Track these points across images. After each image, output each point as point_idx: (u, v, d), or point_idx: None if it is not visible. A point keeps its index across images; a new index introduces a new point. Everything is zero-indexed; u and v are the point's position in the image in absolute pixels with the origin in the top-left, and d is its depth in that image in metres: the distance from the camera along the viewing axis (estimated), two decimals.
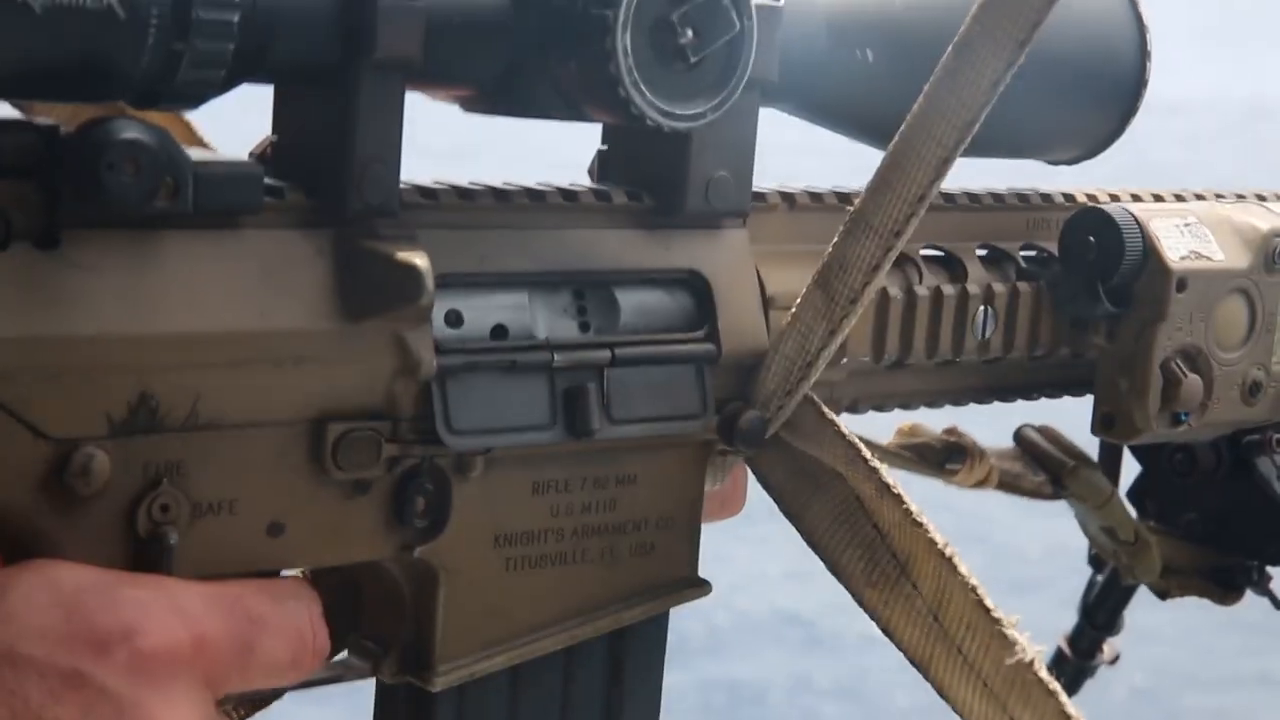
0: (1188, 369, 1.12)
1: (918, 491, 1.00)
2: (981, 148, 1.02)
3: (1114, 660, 1.47)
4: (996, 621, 0.95)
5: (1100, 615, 1.45)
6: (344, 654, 0.92)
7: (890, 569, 0.97)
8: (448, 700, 0.91)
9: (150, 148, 0.76)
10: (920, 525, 0.96)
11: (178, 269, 0.80)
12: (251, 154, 0.88)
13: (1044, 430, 1.18)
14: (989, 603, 0.96)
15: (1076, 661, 1.46)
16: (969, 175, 1.10)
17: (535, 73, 0.88)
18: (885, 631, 0.99)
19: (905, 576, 0.97)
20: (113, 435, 0.79)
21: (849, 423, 1.00)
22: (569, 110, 0.90)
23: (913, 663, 0.98)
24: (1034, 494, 1.16)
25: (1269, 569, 1.32)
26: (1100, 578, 1.45)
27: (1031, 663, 0.95)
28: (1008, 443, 1.23)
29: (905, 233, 0.94)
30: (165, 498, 0.80)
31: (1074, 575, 1.49)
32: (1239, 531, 1.30)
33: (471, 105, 0.94)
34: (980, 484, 1.13)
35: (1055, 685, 0.95)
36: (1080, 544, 1.32)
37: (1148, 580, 1.26)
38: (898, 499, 0.97)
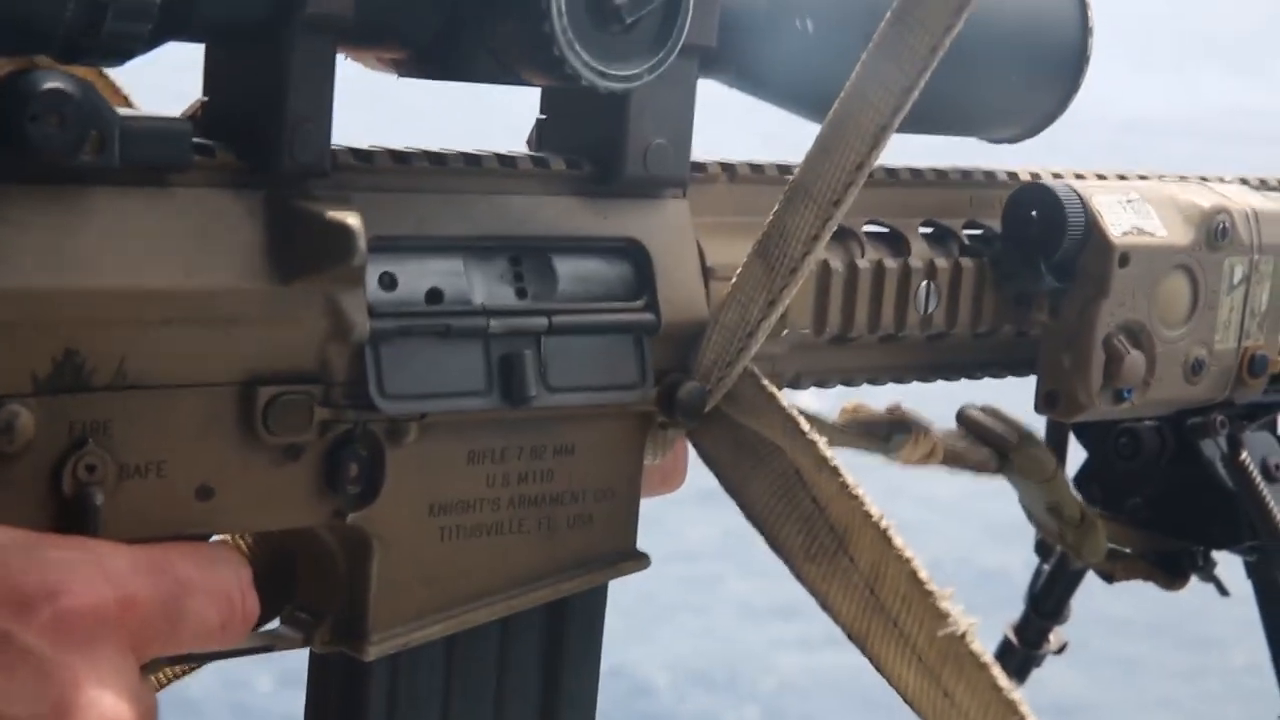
0: (1130, 345, 1.12)
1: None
2: (923, 123, 1.02)
3: (1060, 649, 1.47)
4: (930, 594, 0.95)
5: (1047, 603, 1.44)
6: (276, 623, 0.91)
7: (828, 542, 0.97)
8: (381, 670, 0.90)
9: (75, 99, 0.75)
10: (856, 498, 0.96)
11: (105, 225, 0.79)
12: (187, 110, 0.86)
13: (987, 409, 1.17)
14: (923, 575, 0.95)
15: (1024, 650, 1.46)
16: (911, 153, 1.10)
17: (470, 35, 0.88)
18: (823, 606, 0.98)
19: (842, 549, 0.97)
20: (37, 393, 0.77)
21: (791, 399, 1.00)
22: (504, 73, 0.89)
23: (850, 637, 0.97)
24: (978, 469, 1.15)
25: (1214, 555, 1.32)
26: (1046, 566, 1.45)
27: (964, 635, 0.94)
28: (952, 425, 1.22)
29: (844, 202, 0.93)
30: (91, 458, 0.79)
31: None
32: (1184, 515, 1.30)
33: (406, 69, 0.93)
34: (925, 459, 1.12)
35: (988, 657, 0.94)
36: None
37: (1094, 561, 1.25)
38: (835, 471, 0.96)
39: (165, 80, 1.05)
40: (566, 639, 0.96)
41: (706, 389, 0.97)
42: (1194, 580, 1.33)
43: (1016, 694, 0.94)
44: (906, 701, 0.96)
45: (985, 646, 0.95)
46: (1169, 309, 1.14)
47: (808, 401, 1.08)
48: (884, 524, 0.95)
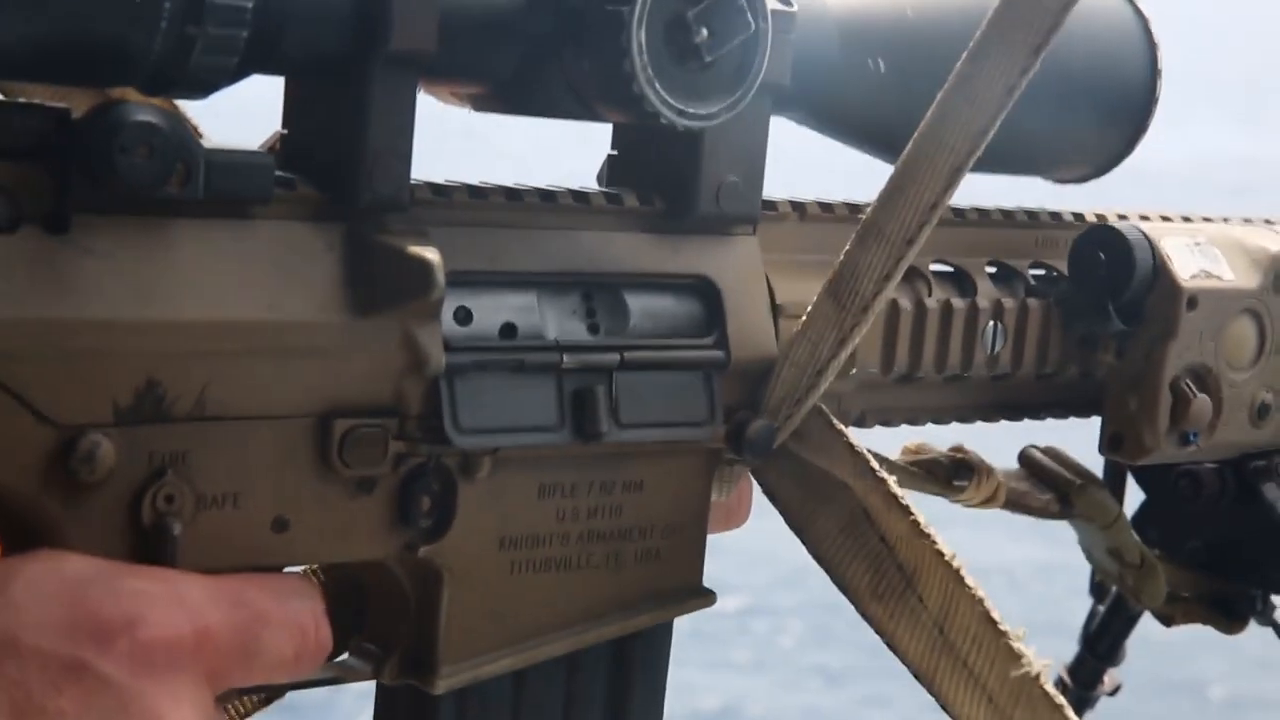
0: (1197, 388, 1.11)
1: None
2: (990, 163, 1.01)
3: (1114, 691, 1.46)
4: (1003, 634, 0.94)
5: (1102, 645, 1.44)
6: (345, 655, 0.91)
7: (896, 581, 0.97)
8: (449, 703, 0.90)
9: (164, 132, 0.76)
10: (927, 536, 0.95)
11: (188, 257, 0.79)
12: (261, 148, 0.87)
13: (1050, 450, 1.17)
14: (996, 615, 0.95)
15: (1077, 691, 1.45)
16: (975, 194, 1.10)
17: (548, 70, 0.88)
18: (890, 645, 0.98)
19: (911, 589, 0.96)
20: (118, 423, 0.78)
21: (857, 436, 1.00)
22: (581, 108, 0.89)
23: (917, 676, 0.97)
24: (1041, 513, 1.15)
25: (1274, 598, 1.31)
26: (1102, 607, 1.44)
27: (1038, 676, 0.94)
28: (1012, 465, 1.22)
29: (917, 241, 0.93)
30: (170, 488, 0.79)
31: None
32: (1244, 559, 1.29)
33: (483, 104, 0.93)
34: (987, 502, 1.12)
35: (1061, 699, 0.94)
36: None
37: (1153, 605, 1.25)
38: (905, 510, 0.96)
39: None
40: (632, 675, 0.96)
41: (775, 426, 0.96)
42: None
43: None
44: None
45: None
46: (1236, 352, 1.14)
47: (870, 441, 1.08)
48: (955, 564, 0.95)
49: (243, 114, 0.92)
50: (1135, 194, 1.16)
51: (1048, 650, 0.96)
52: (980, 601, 0.94)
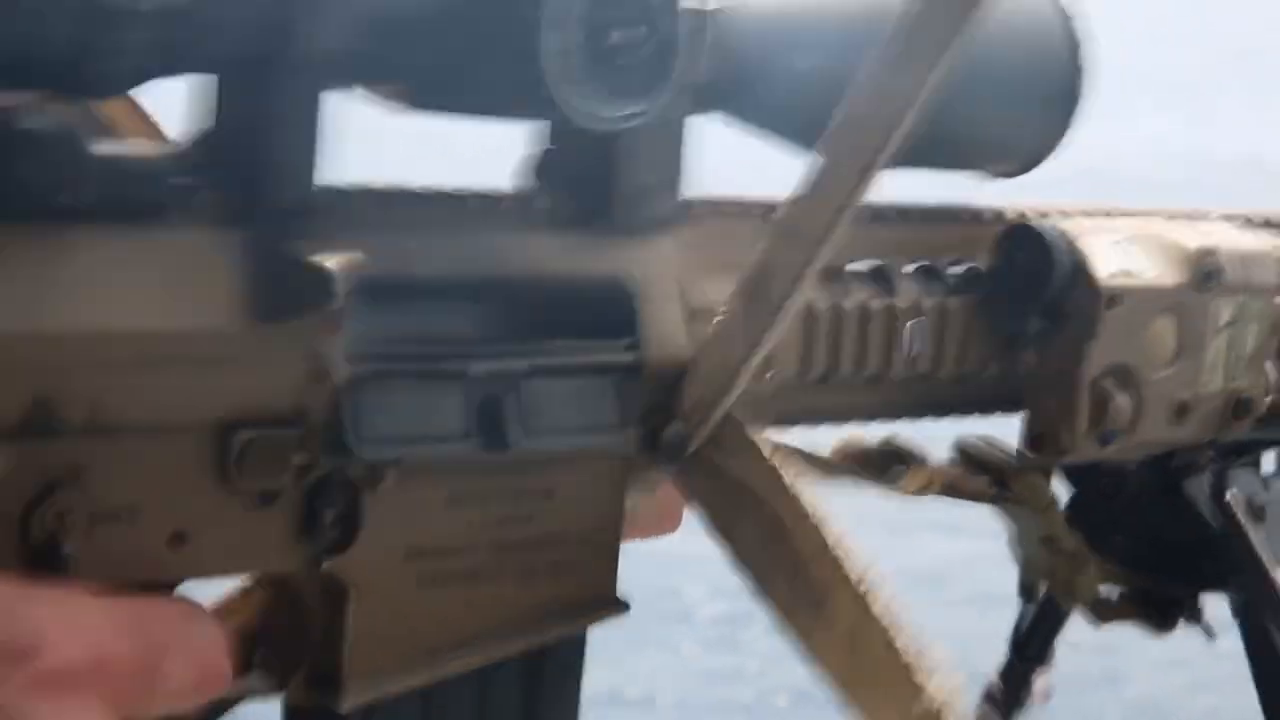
0: (1118, 388, 1.11)
1: None
2: (917, 158, 1.00)
3: (1046, 694, 1.45)
4: (906, 666, 0.92)
5: (1030, 647, 1.42)
6: (249, 673, 0.89)
7: (809, 598, 0.95)
8: None
9: (50, 139, 0.73)
10: (837, 557, 0.93)
11: (79, 265, 0.76)
12: (181, 140, 0.84)
13: (984, 439, 1.17)
14: (901, 643, 0.93)
15: (1006, 696, 1.44)
16: (900, 188, 1.08)
17: (464, 70, 0.86)
18: (811, 660, 0.96)
19: (823, 607, 0.94)
20: (6, 438, 0.75)
21: (781, 437, 0.98)
22: (498, 109, 0.87)
23: (840, 694, 0.95)
24: (977, 497, 1.14)
25: (1202, 597, 1.31)
26: (1030, 607, 1.43)
27: (938, 713, 0.92)
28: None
29: (830, 241, 0.92)
30: (61, 504, 0.77)
31: None
32: (1170, 555, 1.28)
33: (401, 104, 0.91)
34: (924, 489, 1.11)
35: None
36: None
37: (1086, 598, 1.24)
38: (815, 527, 0.94)
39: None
40: (545, 688, 0.94)
41: (688, 433, 0.95)
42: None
43: None
44: None
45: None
46: (1156, 351, 1.13)
47: (804, 436, 1.06)
48: (863, 588, 0.93)
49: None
50: (1083, 189, 1.16)
51: None
52: (885, 630, 0.92)
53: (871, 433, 1.13)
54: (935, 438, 1.17)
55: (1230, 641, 1.29)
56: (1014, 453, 1.17)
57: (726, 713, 5.10)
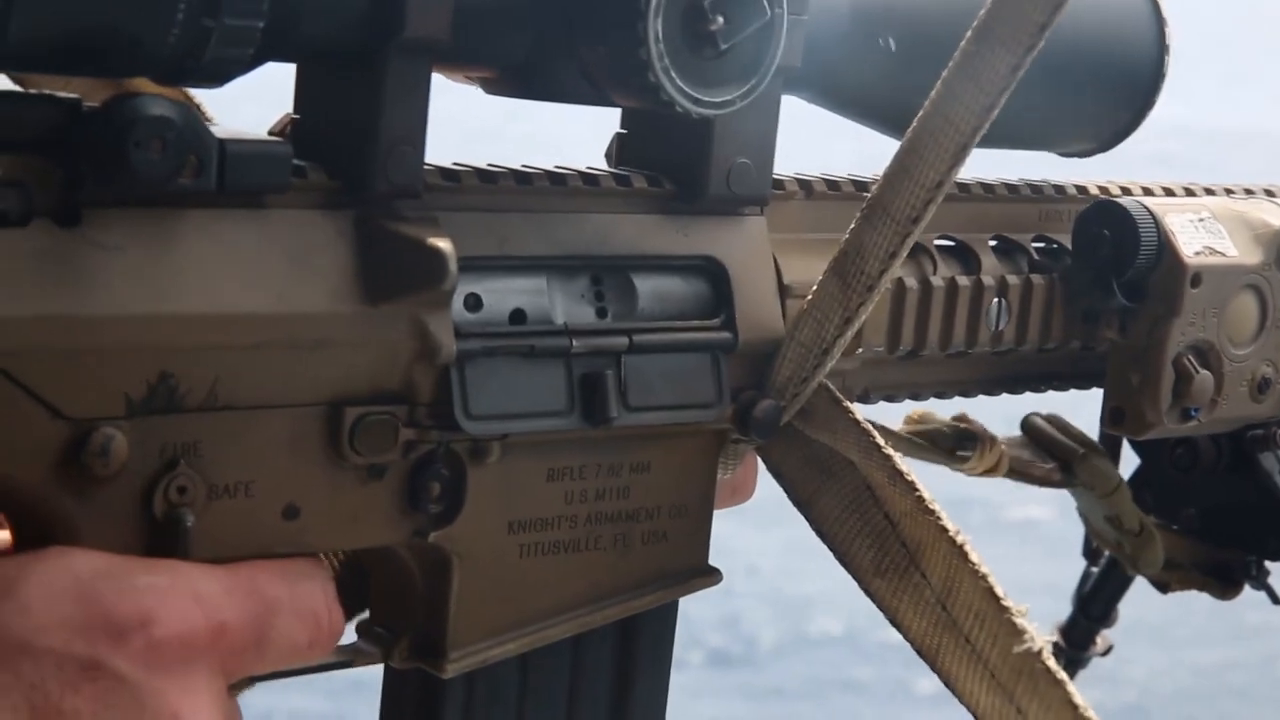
0: (1199, 365, 1.11)
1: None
2: (996, 139, 1.01)
3: (1106, 651, 1.47)
4: (1005, 610, 0.95)
5: (1095, 607, 1.44)
6: (354, 639, 0.91)
7: (900, 558, 0.97)
8: (457, 687, 0.91)
9: (177, 124, 0.75)
10: (932, 513, 0.96)
11: (199, 249, 0.78)
12: (270, 132, 0.86)
13: (1052, 419, 1.18)
14: (999, 591, 0.95)
15: (1070, 652, 1.46)
16: (981, 167, 1.09)
17: (561, 55, 0.87)
18: (893, 622, 0.98)
19: (914, 565, 0.97)
20: (130, 415, 0.78)
21: (860, 411, 1.00)
22: (594, 94, 0.89)
23: (919, 652, 0.98)
24: (1043, 481, 1.16)
25: (1268, 564, 1.32)
26: (1095, 570, 1.45)
27: (1039, 652, 0.94)
28: (1013, 431, 1.22)
29: (922, 220, 0.93)
30: (182, 479, 0.79)
31: None
32: (1239, 526, 1.30)
33: (495, 88, 0.92)
34: (990, 471, 1.12)
35: (1062, 675, 0.95)
36: None
37: (1150, 572, 1.25)
38: (910, 486, 0.96)
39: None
40: (638, 655, 0.96)
41: (781, 406, 0.96)
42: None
43: (1091, 712, 0.94)
44: (977, 717, 0.97)
45: None
46: (1237, 328, 1.14)
47: (871, 412, 1.08)
48: (959, 539, 0.95)
49: (247, 94, 0.91)
50: (1049, 162, 1.16)
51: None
52: (984, 578, 0.95)
53: (943, 411, 1.14)
54: (1005, 415, 1.18)
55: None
56: (1081, 434, 1.18)
57: None
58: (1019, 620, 0.95)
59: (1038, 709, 0.94)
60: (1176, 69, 1.12)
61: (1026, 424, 1.19)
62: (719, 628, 4.99)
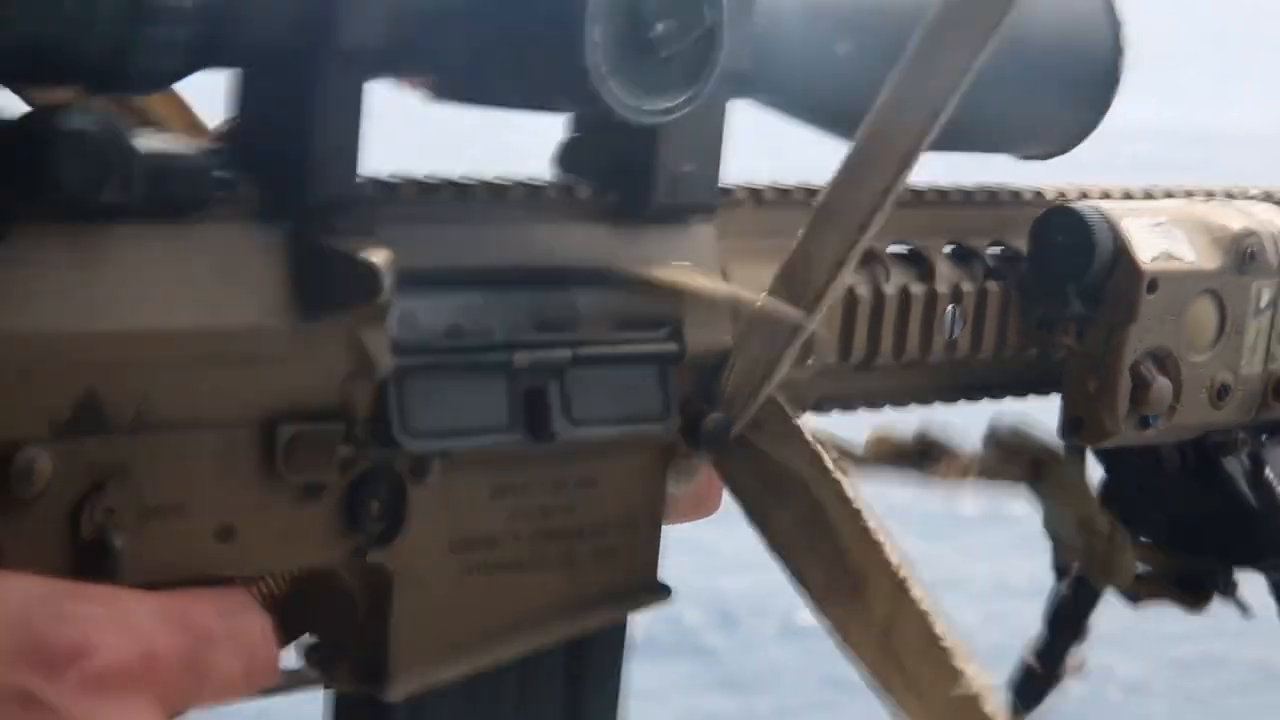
0: (1157, 371, 1.10)
1: None
2: (952, 141, 1.00)
3: (1079, 668, 1.45)
4: (944, 651, 0.93)
5: (1067, 624, 1.42)
6: (295, 663, 0.89)
7: (846, 584, 0.95)
8: (402, 710, 0.88)
9: (99, 139, 0.73)
10: (875, 544, 0.94)
11: (126, 264, 0.77)
12: (215, 133, 0.84)
13: (1016, 424, 1.16)
14: (938, 629, 0.93)
15: (1043, 673, 1.44)
16: (937, 171, 1.08)
17: (501, 62, 0.86)
18: (844, 647, 0.96)
19: (859, 594, 0.94)
20: (55, 437, 0.76)
21: (816, 423, 0.98)
22: (536, 101, 0.87)
23: (871, 682, 0.95)
24: (1012, 485, 1.14)
25: (1236, 575, 1.31)
26: (1064, 586, 1.43)
27: (976, 697, 0.92)
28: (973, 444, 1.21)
29: (870, 227, 0.91)
30: (110, 500, 0.77)
31: None
32: (1206, 534, 1.28)
33: (437, 94, 0.91)
34: (958, 480, 1.11)
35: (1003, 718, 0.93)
36: None
37: (1121, 582, 1.24)
38: (856, 513, 0.94)
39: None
40: (588, 673, 0.95)
41: (731, 419, 0.95)
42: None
43: None
44: None
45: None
46: (1196, 334, 1.12)
47: (835, 422, 1.06)
48: (901, 574, 0.93)
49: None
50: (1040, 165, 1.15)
51: None
52: (924, 616, 0.92)
53: (905, 423, 1.13)
54: (967, 423, 1.17)
55: None
56: (1048, 439, 1.17)
57: None
58: (957, 663, 0.92)
59: None
60: (1166, 68, 1.11)
61: (993, 431, 1.18)
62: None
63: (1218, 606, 1.30)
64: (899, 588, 0.93)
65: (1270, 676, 4.99)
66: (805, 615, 0.97)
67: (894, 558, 0.93)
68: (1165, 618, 1.32)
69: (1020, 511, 1.22)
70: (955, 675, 0.92)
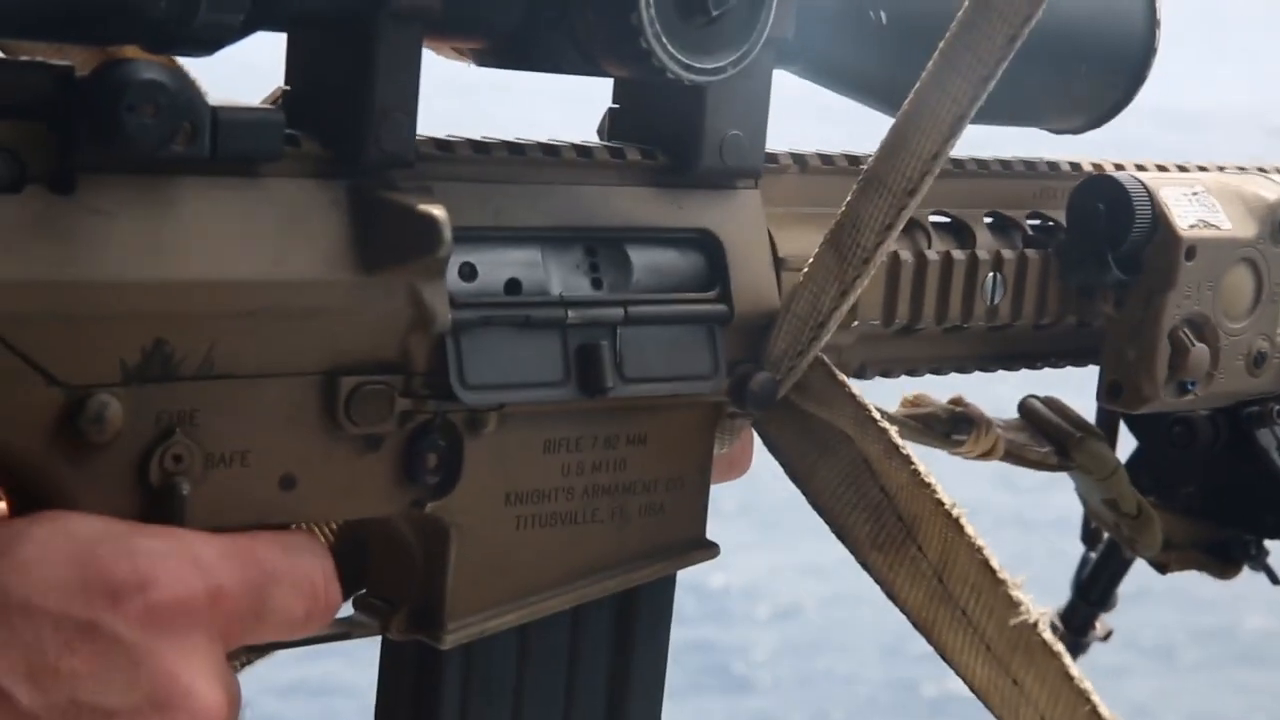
0: (1195, 338, 1.11)
1: None
2: (987, 114, 1.01)
3: (1106, 636, 1.47)
4: (1001, 583, 0.95)
5: (1094, 591, 1.44)
6: (351, 611, 0.91)
7: (896, 531, 0.97)
8: (455, 658, 0.90)
9: (170, 90, 0.75)
10: (928, 486, 0.96)
11: (194, 215, 0.79)
12: (271, 96, 0.86)
13: (1049, 401, 1.17)
14: (995, 563, 0.95)
15: (1070, 637, 1.46)
16: (973, 144, 1.09)
17: (552, 25, 0.87)
18: (889, 595, 0.98)
19: (911, 539, 0.97)
20: (126, 383, 0.78)
21: (856, 386, 1.00)
22: (585, 64, 0.89)
23: (916, 625, 0.98)
24: (1040, 465, 1.15)
25: (1266, 543, 1.32)
26: (1094, 554, 1.45)
27: (1035, 624, 0.94)
28: (1010, 413, 1.22)
29: (919, 192, 0.93)
30: (178, 447, 0.79)
31: None
32: (1238, 505, 1.29)
33: (485, 59, 0.93)
34: (986, 455, 1.12)
35: (1059, 646, 0.95)
36: None
37: (1149, 554, 1.25)
38: (906, 460, 0.96)
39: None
40: (635, 628, 0.96)
41: (778, 379, 0.97)
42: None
43: (1087, 683, 0.94)
44: (974, 690, 0.96)
45: None
46: (1233, 302, 1.14)
47: (868, 391, 1.08)
48: (955, 512, 0.95)
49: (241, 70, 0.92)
50: (1018, 143, 1.16)
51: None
52: (979, 550, 0.95)
53: (938, 389, 1.14)
54: (998, 398, 1.18)
55: None
56: (1078, 417, 1.18)
57: None
58: (1015, 593, 0.95)
59: (1033, 681, 0.94)
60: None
61: (1023, 407, 1.19)
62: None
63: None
64: (953, 527, 0.95)
65: None
66: None
67: (946, 499, 0.95)
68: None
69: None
70: (1013, 604, 0.94)
